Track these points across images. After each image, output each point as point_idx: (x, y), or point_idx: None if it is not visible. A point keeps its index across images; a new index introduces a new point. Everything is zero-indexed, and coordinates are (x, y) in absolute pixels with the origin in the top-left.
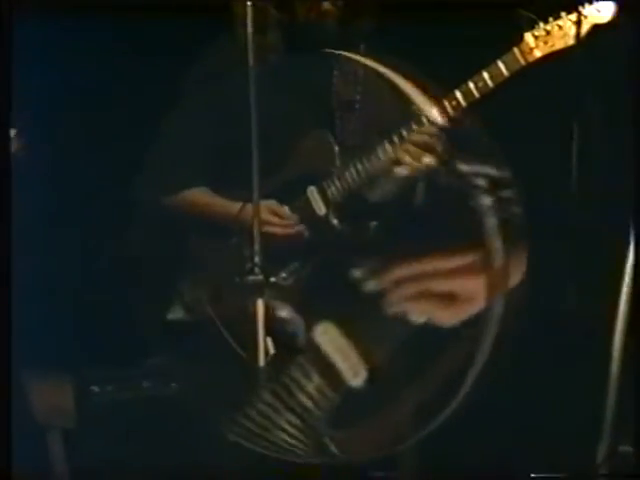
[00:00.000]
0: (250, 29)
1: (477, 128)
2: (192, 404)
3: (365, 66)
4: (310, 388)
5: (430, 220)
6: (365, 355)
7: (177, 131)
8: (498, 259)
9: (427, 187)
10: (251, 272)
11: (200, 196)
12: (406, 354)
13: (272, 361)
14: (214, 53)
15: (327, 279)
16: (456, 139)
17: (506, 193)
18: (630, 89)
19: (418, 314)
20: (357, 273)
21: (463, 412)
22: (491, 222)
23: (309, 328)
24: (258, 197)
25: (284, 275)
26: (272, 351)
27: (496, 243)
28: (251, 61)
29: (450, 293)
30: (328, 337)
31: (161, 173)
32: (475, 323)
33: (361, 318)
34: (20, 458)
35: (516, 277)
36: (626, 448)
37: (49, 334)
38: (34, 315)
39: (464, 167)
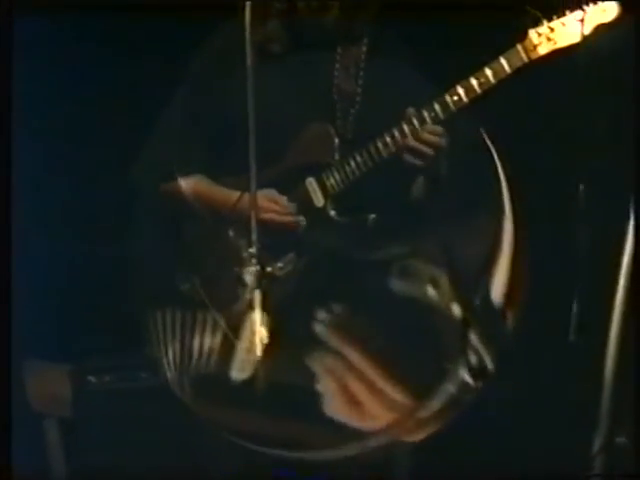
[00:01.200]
0: (249, 20)
1: (506, 326)
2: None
3: (367, 59)
4: (206, 342)
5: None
6: (262, 365)
7: (176, 119)
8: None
9: (426, 182)
10: (248, 263)
11: (197, 184)
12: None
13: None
14: (215, 43)
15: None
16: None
17: (479, 384)
18: (633, 88)
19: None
20: (322, 314)
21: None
22: (448, 389)
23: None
24: (255, 187)
25: (280, 265)
26: (266, 340)
27: (433, 406)
28: (250, 54)
29: (358, 400)
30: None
31: (159, 160)
32: None
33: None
34: (18, 448)
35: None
36: (622, 440)
37: (47, 324)
38: (33, 305)
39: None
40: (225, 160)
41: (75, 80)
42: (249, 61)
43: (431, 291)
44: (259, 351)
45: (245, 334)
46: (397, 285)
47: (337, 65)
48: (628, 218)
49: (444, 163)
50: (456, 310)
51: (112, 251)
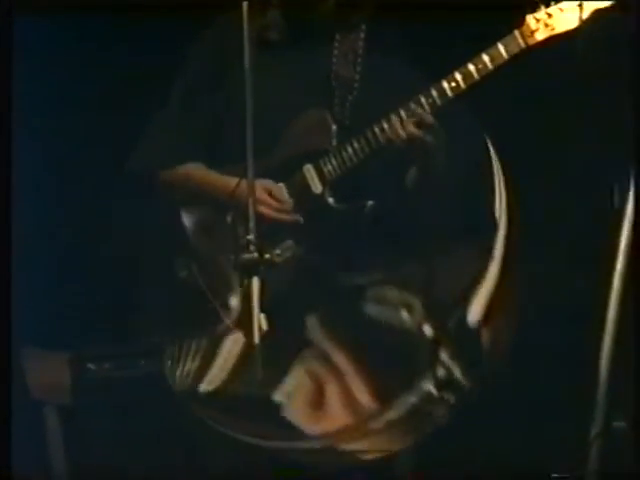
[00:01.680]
0: (246, 18)
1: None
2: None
3: (365, 45)
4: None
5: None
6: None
7: (174, 108)
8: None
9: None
10: (246, 249)
11: (195, 171)
12: None
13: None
14: (214, 33)
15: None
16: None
17: (445, 394)
18: (631, 73)
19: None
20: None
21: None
22: (408, 400)
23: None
24: (252, 174)
25: (278, 252)
26: (265, 327)
27: (390, 415)
28: (247, 51)
29: (322, 399)
30: (234, 342)
31: (157, 148)
32: None
33: None
34: (18, 435)
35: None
36: (620, 424)
37: (47, 311)
38: (32, 293)
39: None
40: (224, 148)
41: (75, 80)
42: (247, 59)
43: (405, 315)
44: (257, 339)
45: (222, 353)
46: (372, 310)
47: (335, 52)
48: (626, 203)
49: (439, 155)
50: (427, 331)
51: (111, 240)
